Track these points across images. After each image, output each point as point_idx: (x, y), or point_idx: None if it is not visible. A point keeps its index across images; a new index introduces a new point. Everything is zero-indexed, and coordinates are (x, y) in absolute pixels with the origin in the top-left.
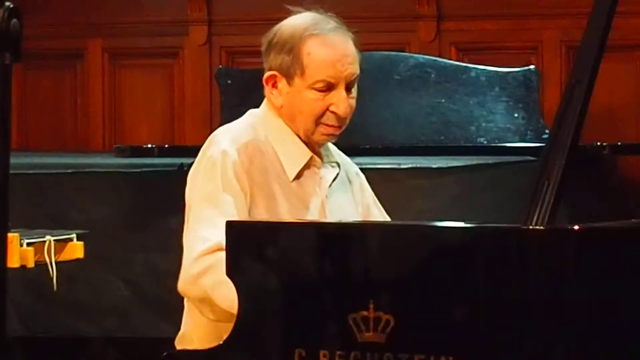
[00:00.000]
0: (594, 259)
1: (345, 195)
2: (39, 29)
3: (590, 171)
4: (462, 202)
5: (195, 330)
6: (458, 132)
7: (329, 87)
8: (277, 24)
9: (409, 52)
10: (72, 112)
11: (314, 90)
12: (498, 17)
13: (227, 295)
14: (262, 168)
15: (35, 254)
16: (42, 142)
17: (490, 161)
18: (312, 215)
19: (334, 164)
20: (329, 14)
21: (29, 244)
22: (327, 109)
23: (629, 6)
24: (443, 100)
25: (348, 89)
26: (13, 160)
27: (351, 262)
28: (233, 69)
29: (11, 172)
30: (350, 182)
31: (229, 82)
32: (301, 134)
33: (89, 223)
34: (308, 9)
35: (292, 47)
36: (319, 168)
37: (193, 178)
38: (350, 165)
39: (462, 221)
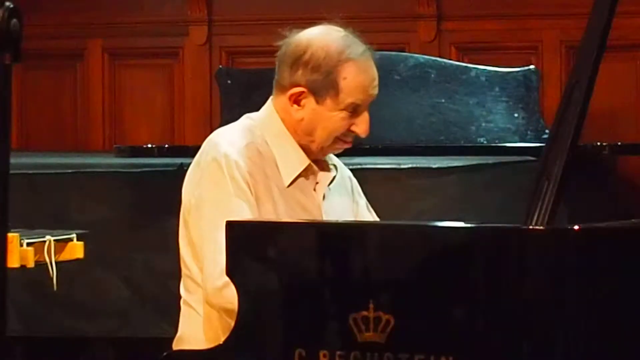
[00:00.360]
0: (594, 259)
1: (341, 198)
2: (39, 29)
3: (590, 171)
4: (462, 202)
5: (192, 333)
6: (458, 132)
7: (356, 110)
8: (277, 24)
9: (409, 52)
10: (72, 112)
11: (342, 112)
12: (498, 17)
13: None
14: (262, 171)
15: (35, 254)
16: (42, 142)
17: (490, 161)
18: (309, 218)
19: (331, 167)
20: (351, 30)
21: (29, 244)
22: (348, 128)
23: (629, 6)
24: (443, 100)
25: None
26: (13, 160)
27: (351, 262)
28: (233, 69)
29: (11, 172)
30: (344, 185)
31: (229, 82)
32: (314, 146)
33: (89, 223)
34: (323, 20)
35: (328, 70)
36: (315, 175)
37: (196, 181)
38: (344, 169)
39: (462, 221)
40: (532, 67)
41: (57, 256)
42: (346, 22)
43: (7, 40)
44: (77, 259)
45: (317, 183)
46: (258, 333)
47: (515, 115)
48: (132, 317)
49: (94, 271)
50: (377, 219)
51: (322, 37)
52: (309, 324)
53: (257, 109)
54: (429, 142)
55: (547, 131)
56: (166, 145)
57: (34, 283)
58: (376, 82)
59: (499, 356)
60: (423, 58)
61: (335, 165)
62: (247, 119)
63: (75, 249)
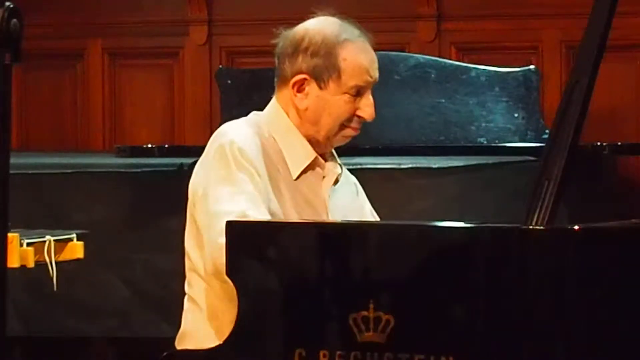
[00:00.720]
0: (594, 259)
1: (345, 200)
2: (39, 29)
3: (590, 171)
4: (462, 202)
5: (195, 328)
6: (458, 132)
7: (359, 92)
8: (277, 24)
9: (409, 52)
10: (72, 112)
11: (347, 95)
12: (498, 17)
13: None
14: (269, 161)
15: (35, 254)
16: (42, 142)
17: (490, 161)
18: (315, 214)
19: (337, 165)
20: (344, 16)
21: (29, 244)
22: (354, 113)
23: (629, 6)
24: (443, 100)
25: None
26: (13, 160)
27: (351, 262)
28: (233, 69)
29: (11, 172)
30: (350, 189)
31: (229, 82)
32: (321, 135)
33: (89, 223)
34: (316, 12)
35: (327, 51)
36: (322, 169)
37: (202, 169)
38: (350, 176)
39: (462, 221)
40: (532, 67)
41: (57, 256)
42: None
43: (7, 40)
44: (77, 259)
45: (323, 177)
46: (258, 333)
47: (515, 115)
48: (132, 317)
49: (94, 271)
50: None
51: (318, 23)
52: (309, 324)
53: (257, 109)
54: (429, 142)
55: (547, 131)
56: (166, 145)
57: (34, 283)
58: (376, 65)
59: (499, 356)
60: (423, 58)
61: (341, 165)
62: (253, 115)
63: (75, 249)
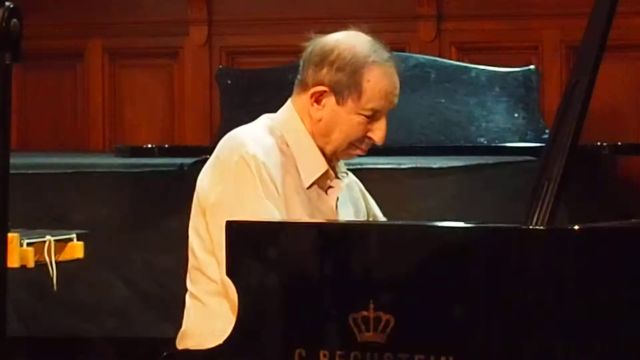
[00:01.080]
0: (594, 259)
1: (352, 203)
2: (39, 29)
3: (590, 171)
4: (462, 202)
5: (197, 326)
6: (458, 132)
7: (375, 116)
8: (276, 24)
9: (409, 52)
10: (72, 112)
11: (361, 116)
12: (498, 17)
13: None
14: (286, 171)
15: (35, 254)
16: (42, 142)
17: (490, 161)
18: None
19: (344, 174)
20: (376, 38)
21: (29, 244)
22: (365, 134)
23: (629, 6)
24: (443, 100)
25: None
26: (13, 160)
27: (351, 262)
28: (233, 69)
29: (11, 172)
30: (352, 187)
31: (229, 82)
32: (328, 149)
33: (89, 223)
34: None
35: (353, 70)
36: (331, 179)
37: (217, 177)
38: (350, 174)
39: (462, 221)
40: (532, 67)
41: (57, 256)
42: (346, 22)
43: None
44: (77, 259)
45: (330, 187)
46: (258, 333)
47: (515, 115)
48: (132, 317)
49: (94, 271)
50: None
51: (349, 39)
52: (309, 324)
53: (257, 109)
54: (429, 142)
55: (547, 131)
56: (166, 145)
57: (34, 283)
58: (397, 91)
59: (499, 356)
60: (423, 58)
61: (347, 172)
62: (267, 119)
63: (75, 249)
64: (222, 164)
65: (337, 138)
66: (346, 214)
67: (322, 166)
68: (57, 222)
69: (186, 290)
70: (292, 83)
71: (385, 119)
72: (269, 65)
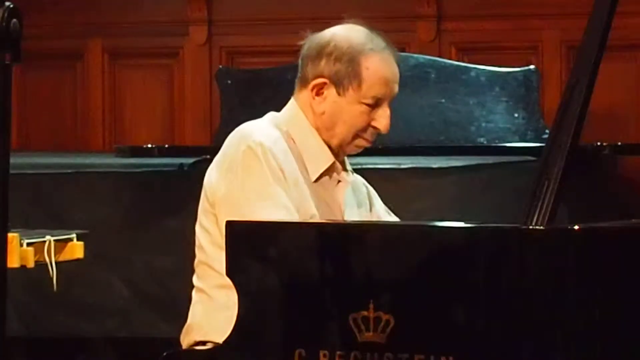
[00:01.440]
0: (594, 259)
1: (358, 201)
2: (39, 29)
3: (590, 171)
4: (462, 202)
5: (205, 320)
6: (458, 132)
7: (377, 104)
8: (277, 24)
9: (409, 52)
10: (72, 112)
11: (363, 105)
12: (498, 17)
13: None
14: (293, 163)
15: (35, 254)
16: (42, 142)
17: (490, 161)
18: (333, 217)
19: (350, 172)
20: (372, 27)
21: (29, 244)
22: (369, 123)
23: (629, 6)
24: (443, 100)
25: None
26: (13, 160)
27: (351, 262)
28: (233, 69)
29: (11, 172)
30: (360, 190)
31: (229, 82)
32: (334, 142)
33: (89, 223)
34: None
35: (351, 58)
36: (338, 174)
37: (224, 170)
38: (358, 176)
39: (462, 221)
40: (532, 67)
41: (57, 256)
42: (346, 22)
43: (7, 40)
44: (77, 259)
45: (339, 182)
46: (258, 333)
47: (515, 115)
48: (132, 317)
49: (94, 271)
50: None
51: (345, 30)
52: (309, 324)
53: (257, 109)
54: (429, 142)
55: (547, 131)
56: (166, 145)
57: (34, 283)
58: (397, 78)
59: (499, 356)
60: (423, 58)
61: (352, 171)
62: (272, 116)
63: (75, 249)
64: (230, 157)
65: (342, 130)
66: (351, 214)
67: (328, 159)
68: (57, 222)
69: (190, 286)
70: (292, 83)
71: (387, 107)
72: (269, 65)
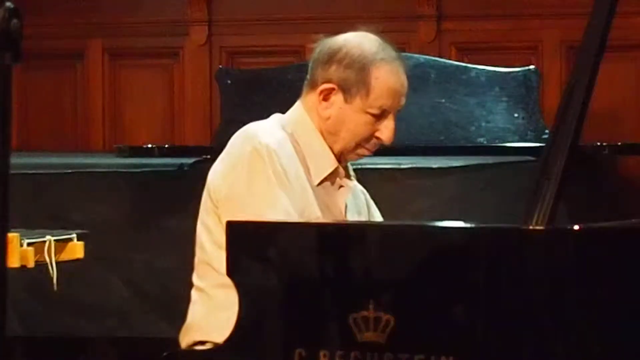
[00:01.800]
0: (594, 259)
1: (358, 208)
2: (39, 29)
3: (590, 171)
4: (462, 202)
5: (204, 319)
6: (458, 132)
7: (382, 114)
8: (276, 24)
9: (409, 52)
10: (72, 112)
11: (368, 115)
12: (498, 17)
13: None
14: (296, 164)
15: (35, 254)
16: (42, 142)
17: (490, 161)
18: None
19: (352, 177)
20: (384, 37)
21: (29, 244)
22: (373, 134)
23: (629, 6)
24: (443, 100)
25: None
26: (13, 160)
27: (351, 262)
28: (233, 69)
29: (11, 172)
30: (358, 196)
31: (229, 82)
32: (336, 148)
33: (89, 223)
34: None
35: (361, 67)
36: (340, 179)
37: (228, 170)
38: (357, 184)
39: (462, 221)
40: (532, 67)
41: (57, 256)
42: (346, 22)
43: (7, 40)
44: (77, 259)
45: (340, 187)
46: (258, 333)
47: (515, 115)
48: (132, 317)
49: (94, 271)
50: None
51: (357, 38)
52: (309, 324)
53: (257, 109)
54: (429, 142)
55: (547, 131)
56: (166, 145)
57: (34, 283)
58: (405, 90)
59: (499, 356)
60: (423, 58)
61: (354, 176)
62: (277, 118)
63: (75, 249)
64: (234, 156)
65: (345, 137)
66: (351, 219)
67: (332, 164)
68: (57, 222)
69: (190, 286)
70: (292, 83)
71: (393, 119)
72: (269, 65)
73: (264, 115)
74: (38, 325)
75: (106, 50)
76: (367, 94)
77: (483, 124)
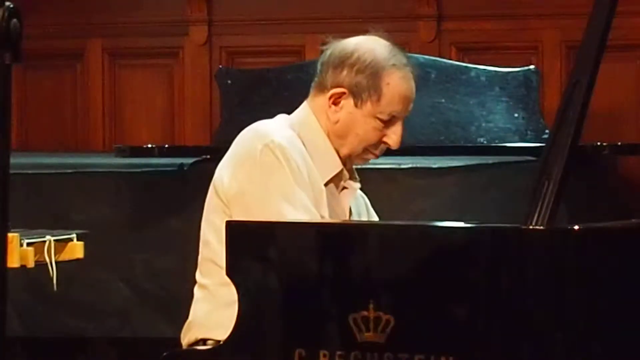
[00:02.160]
0: (594, 259)
1: (359, 211)
2: (39, 29)
3: (590, 171)
4: (462, 202)
5: (207, 317)
6: (458, 132)
7: (391, 120)
8: (276, 24)
9: (409, 52)
10: (72, 112)
11: (378, 120)
12: (498, 17)
13: None
14: (309, 165)
15: (35, 254)
16: (42, 142)
17: (490, 161)
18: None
19: (356, 179)
20: (394, 42)
21: (29, 244)
22: (380, 139)
23: (629, 6)
24: (443, 100)
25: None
26: (13, 160)
27: (351, 262)
28: (233, 69)
29: (11, 172)
30: (359, 200)
31: (229, 82)
32: (343, 152)
33: (89, 223)
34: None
35: (373, 72)
36: (344, 181)
37: (243, 170)
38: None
39: (462, 221)
40: (532, 67)
41: (57, 256)
42: (346, 22)
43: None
44: (77, 259)
45: (344, 188)
46: (258, 333)
47: (515, 115)
48: (132, 317)
49: (94, 271)
50: None
51: (369, 42)
52: (309, 324)
53: (257, 109)
54: (429, 142)
55: (547, 131)
56: (166, 145)
57: (34, 283)
58: (414, 97)
59: (499, 356)
60: (423, 58)
61: (359, 179)
62: (283, 118)
63: (75, 249)
64: (244, 155)
65: (353, 141)
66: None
67: (337, 166)
68: (57, 222)
69: (190, 285)
70: (292, 83)
71: (401, 125)
72: (269, 65)
73: (264, 115)
74: (38, 325)
75: (106, 50)
76: (378, 99)
77: (483, 124)
